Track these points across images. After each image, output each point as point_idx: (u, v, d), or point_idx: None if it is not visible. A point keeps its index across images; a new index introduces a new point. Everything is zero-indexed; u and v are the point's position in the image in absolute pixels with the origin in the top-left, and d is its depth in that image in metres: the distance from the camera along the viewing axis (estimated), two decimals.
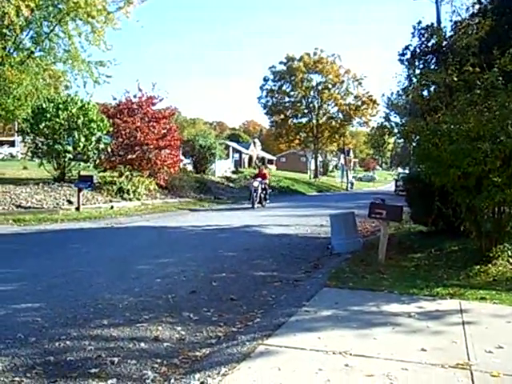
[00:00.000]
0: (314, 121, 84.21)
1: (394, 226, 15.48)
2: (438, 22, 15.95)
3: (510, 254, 10.67)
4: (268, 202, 29.00)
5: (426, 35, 15.34)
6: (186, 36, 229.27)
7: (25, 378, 4.68)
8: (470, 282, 9.09)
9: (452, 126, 10.07)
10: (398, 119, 15.56)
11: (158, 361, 5.22)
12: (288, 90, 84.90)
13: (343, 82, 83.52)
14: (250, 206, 26.55)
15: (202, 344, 5.77)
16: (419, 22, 15.71)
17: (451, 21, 15.81)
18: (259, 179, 27.91)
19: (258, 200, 27.03)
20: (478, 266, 10.13)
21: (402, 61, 16.12)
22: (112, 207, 22.44)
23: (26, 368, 4.91)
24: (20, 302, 7.26)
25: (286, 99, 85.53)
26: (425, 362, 5.05)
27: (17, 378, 4.66)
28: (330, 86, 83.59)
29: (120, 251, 12.37)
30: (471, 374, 4.81)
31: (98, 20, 27.48)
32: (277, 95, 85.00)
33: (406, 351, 5.36)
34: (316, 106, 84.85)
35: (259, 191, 27.22)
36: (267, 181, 29.68)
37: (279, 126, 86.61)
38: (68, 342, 5.65)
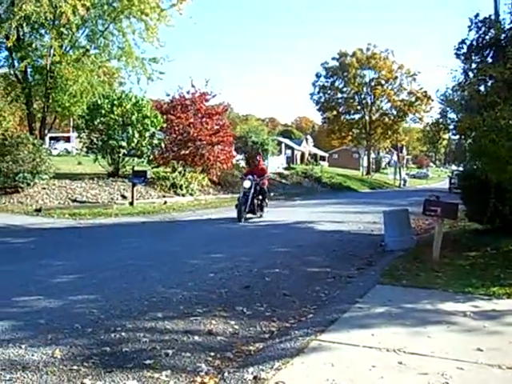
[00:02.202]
0: (367, 117, 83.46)
1: (448, 224, 15.21)
2: (496, 14, 15.53)
3: None
4: (266, 210, 19.83)
5: (483, 28, 14.97)
6: (238, 31, 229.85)
7: (82, 366, 4.78)
8: None
9: (510, 122, 9.85)
10: (453, 115, 15.23)
11: (212, 354, 5.25)
12: (340, 86, 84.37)
13: (396, 77, 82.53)
14: (236, 217, 17.53)
15: (255, 338, 5.79)
16: (476, 15, 15.34)
17: (510, 13, 15.41)
18: (251, 177, 18.68)
19: (248, 208, 17.94)
20: None
21: (457, 55, 15.78)
22: (165, 202, 22.73)
23: (83, 357, 5.01)
24: (76, 293, 7.42)
25: (339, 95, 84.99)
26: (481, 362, 4.95)
27: (75, 367, 4.76)
28: (382, 81, 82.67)
29: (173, 245, 12.51)
30: None
31: (152, 17, 27.84)
32: (329, 91, 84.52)
33: (461, 350, 5.27)
34: (369, 102, 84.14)
35: (250, 196, 18.03)
36: (266, 180, 20.16)
37: (331, 123, 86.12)
38: (123, 334, 5.74)
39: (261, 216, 19.03)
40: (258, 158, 22.65)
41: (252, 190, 18.11)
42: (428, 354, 5.14)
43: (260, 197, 19.00)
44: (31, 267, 9.31)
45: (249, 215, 18.23)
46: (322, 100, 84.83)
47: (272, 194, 32.85)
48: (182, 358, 5.13)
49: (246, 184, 18.23)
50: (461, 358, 5.04)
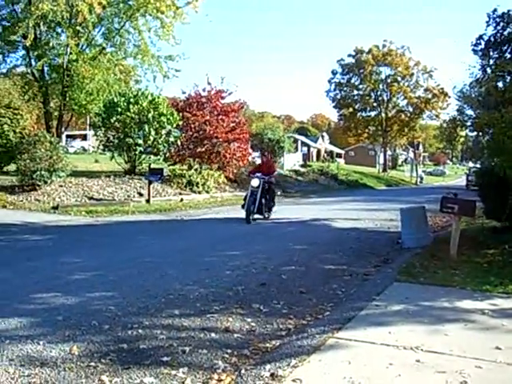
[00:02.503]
0: (383, 114, 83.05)
1: (465, 221, 15.13)
2: None
3: None
4: (274, 210, 18.54)
5: (501, 24, 14.87)
6: (255, 29, 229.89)
7: (99, 363, 4.82)
8: None
9: None
10: (470, 111, 15.15)
11: (229, 351, 5.26)
12: (356, 83, 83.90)
13: (413, 74, 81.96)
14: (244, 218, 16.48)
15: (272, 336, 5.79)
16: (494, 10, 15.25)
17: None
18: (260, 174, 17.53)
19: (256, 209, 16.87)
20: None
21: (475, 51, 15.69)
22: (182, 200, 22.76)
23: (100, 354, 5.05)
24: (94, 290, 7.47)
25: (355, 92, 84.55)
26: (500, 361, 4.91)
27: (92, 364, 4.80)
28: (399, 78, 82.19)
29: (190, 243, 12.54)
30: None
31: (167, 15, 28.01)
32: (345, 88, 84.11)
33: (479, 349, 5.23)
34: (385, 99, 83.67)
35: (259, 195, 16.85)
36: (273, 178, 18.94)
37: (348, 120, 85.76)
38: (140, 331, 5.77)
39: (268, 217, 17.75)
40: (265, 154, 22.37)
41: (260, 189, 16.88)
42: (446, 352, 5.11)
43: (268, 196, 17.65)
44: (49, 264, 9.38)
45: (256, 215, 17.05)
46: (338, 97, 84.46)
47: (288, 191, 32.88)
48: (198, 355, 5.14)
49: (254, 182, 17.04)
50: (479, 356, 5.01)
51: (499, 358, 4.96)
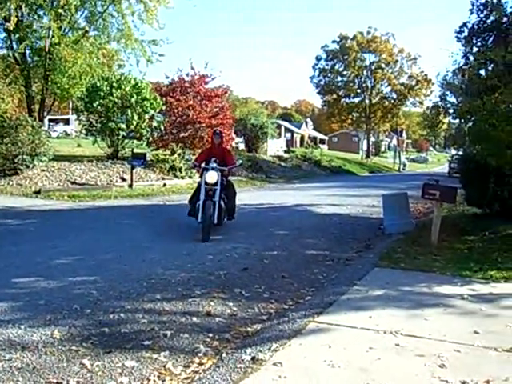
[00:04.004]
0: (367, 101, 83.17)
1: (447, 208, 15.24)
2: None
3: None
4: (234, 216, 12.30)
5: (484, 11, 14.89)
6: (240, 15, 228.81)
7: (81, 347, 4.82)
8: None
9: (511, 106, 9.84)
10: (453, 99, 15.20)
11: (210, 335, 5.29)
12: (341, 70, 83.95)
13: (397, 61, 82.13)
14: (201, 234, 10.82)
15: (253, 320, 5.82)
16: None
17: None
18: (216, 165, 11.43)
19: (216, 218, 11.09)
20: None
21: (458, 38, 15.69)
22: (164, 185, 22.74)
23: (82, 338, 5.05)
24: (76, 275, 7.46)
25: (339, 79, 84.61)
26: (477, 345, 4.99)
27: (74, 347, 4.80)
28: (383, 65, 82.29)
29: (172, 228, 12.52)
30: None
31: None
32: (329, 74, 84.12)
33: (458, 333, 5.30)
34: (369, 85, 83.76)
35: (217, 197, 11.19)
36: (233, 166, 12.61)
37: (331, 106, 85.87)
38: (122, 315, 5.77)
39: (221, 224, 11.77)
40: (218, 131, 12.92)
41: (219, 187, 11.15)
42: (425, 337, 5.17)
43: (228, 195, 11.94)
44: (31, 249, 9.33)
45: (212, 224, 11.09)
46: (322, 83, 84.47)
47: (271, 177, 32.89)
48: (180, 339, 5.17)
49: (211, 178, 11.09)
50: (457, 340, 5.08)
51: (477, 342, 5.04)
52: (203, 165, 11.75)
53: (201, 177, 11.71)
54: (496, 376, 4.29)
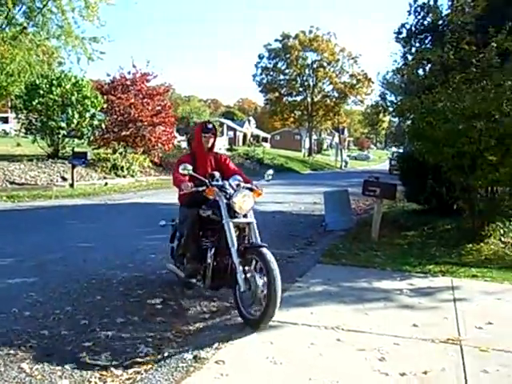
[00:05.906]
0: (309, 99, 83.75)
1: (387, 204, 15.53)
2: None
3: (501, 232, 10.77)
4: None
5: (422, 13, 15.25)
6: (181, 15, 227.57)
7: (19, 350, 4.70)
8: (462, 260, 9.18)
9: (448, 104, 10.07)
10: (393, 98, 15.50)
11: (151, 335, 5.24)
12: (283, 68, 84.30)
13: (338, 60, 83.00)
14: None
15: (195, 318, 5.80)
16: (415, 0, 15.61)
17: None
18: (220, 180, 6.52)
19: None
20: (470, 245, 10.23)
21: (398, 39, 16.03)
22: (106, 184, 22.48)
23: (20, 341, 4.91)
24: (14, 277, 7.26)
25: (281, 77, 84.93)
26: (416, 337, 5.12)
27: (12, 351, 4.67)
28: (325, 64, 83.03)
29: (114, 228, 12.37)
30: (461, 348, 4.87)
31: None
32: (272, 73, 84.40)
33: (397, 326, 5.42)
34: (311, 84, 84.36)
35: (257, 236, 6.14)
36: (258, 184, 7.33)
37: (274, 104, 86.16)
38: (62, 316, 5.67)
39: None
40: (209, 126, 6.97)
41: (254, 221, 6.46)
42: (366, 331, 5.26)
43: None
44: None
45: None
46: (265, 81, 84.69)
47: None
48: (121, 339, 5.11)
49: (245, 203, 6.40)
50: (397, 333, 5.19)
51: (415, 335, 5.17)
52: (214, 182, 6.37)
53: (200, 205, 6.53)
54: (434, 367, 4.40)
